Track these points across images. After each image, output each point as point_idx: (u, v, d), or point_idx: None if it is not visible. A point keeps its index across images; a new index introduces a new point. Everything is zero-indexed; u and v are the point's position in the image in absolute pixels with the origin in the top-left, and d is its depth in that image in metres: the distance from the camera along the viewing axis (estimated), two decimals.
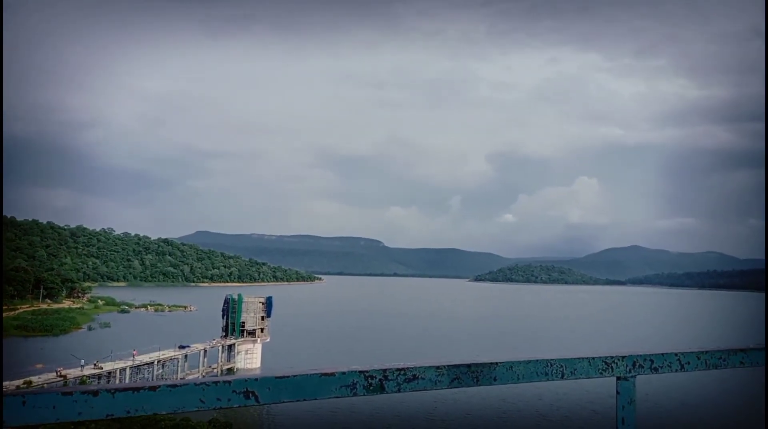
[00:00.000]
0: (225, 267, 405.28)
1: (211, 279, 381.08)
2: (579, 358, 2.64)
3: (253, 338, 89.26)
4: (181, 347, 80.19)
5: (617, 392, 2.68)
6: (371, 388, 2.28)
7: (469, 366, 2.43)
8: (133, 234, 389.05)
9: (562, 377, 2.59)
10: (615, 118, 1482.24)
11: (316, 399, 2.20)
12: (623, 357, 2.69)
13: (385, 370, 2.31)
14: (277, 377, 2.16)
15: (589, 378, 2.69)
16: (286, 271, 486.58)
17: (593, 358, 2.66)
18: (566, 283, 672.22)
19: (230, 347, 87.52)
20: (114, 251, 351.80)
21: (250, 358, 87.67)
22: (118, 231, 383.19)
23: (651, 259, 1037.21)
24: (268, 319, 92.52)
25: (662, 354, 2.77)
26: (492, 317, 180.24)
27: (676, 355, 2.79)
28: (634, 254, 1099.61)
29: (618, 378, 2.69)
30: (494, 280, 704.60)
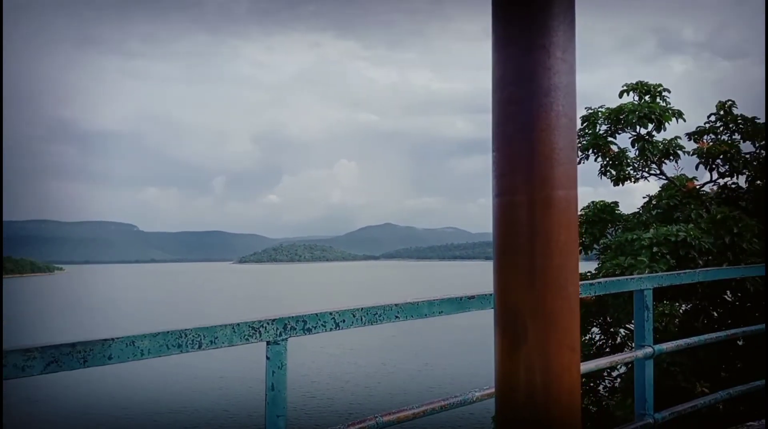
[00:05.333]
0: None
1: None
2: (221, 326, 2.37)
3: None
4: None
5: (267, 357, 2.53)
6: None
7: (73, 345, 1.98)
8: None
9: (200, 347, 2.31)
10: (372, 104, 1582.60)
11: None
12: (273, 320, 2.52)
13: None
14: None
15: (233, 345, 2.44)
16: (17, 261, 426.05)
17: (238, 324, 2.42)
18: (327, 260, 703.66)
19: None
20: None
21: None
22: None
23: (402, 235, 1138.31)
24: None
25: (316, 313, 2.65)
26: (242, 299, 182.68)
27: (330, 313, 2.68)
28: (387, 231, 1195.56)
29: (268, 343, 2.52)
30: (259, 261, 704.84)
